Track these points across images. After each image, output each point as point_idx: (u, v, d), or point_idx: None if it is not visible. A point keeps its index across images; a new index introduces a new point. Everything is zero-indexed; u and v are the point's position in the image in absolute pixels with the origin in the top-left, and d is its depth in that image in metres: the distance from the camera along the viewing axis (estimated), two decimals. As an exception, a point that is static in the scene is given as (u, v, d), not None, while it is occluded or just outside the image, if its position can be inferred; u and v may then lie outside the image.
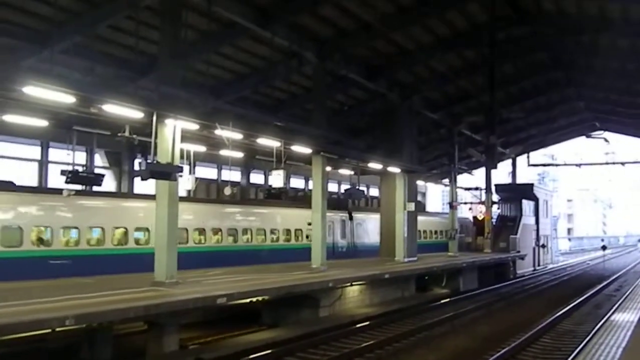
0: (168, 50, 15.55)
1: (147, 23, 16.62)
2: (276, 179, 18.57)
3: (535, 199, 43.70)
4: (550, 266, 46.82)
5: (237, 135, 16.13)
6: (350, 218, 29.17)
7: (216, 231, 22.10)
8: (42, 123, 15.31)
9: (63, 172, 16.02)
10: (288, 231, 25.63)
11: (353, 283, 19.43)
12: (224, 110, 23.25)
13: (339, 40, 21.16)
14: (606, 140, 42.07)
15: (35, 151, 22.09)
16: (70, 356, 12.98)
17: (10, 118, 14.82)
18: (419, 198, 38.84)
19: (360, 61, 23.52)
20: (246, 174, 30.51)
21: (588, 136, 44.19)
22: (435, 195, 74.18)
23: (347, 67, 22.59)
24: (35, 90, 11.17)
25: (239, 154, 21.70)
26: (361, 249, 29.39)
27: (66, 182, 15.98)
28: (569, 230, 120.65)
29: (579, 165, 45.09)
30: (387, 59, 23.98)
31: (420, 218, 33.44)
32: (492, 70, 27.69)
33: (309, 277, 17.74)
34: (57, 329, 10.35)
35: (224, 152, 19.90)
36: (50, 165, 22.21)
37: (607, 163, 45.61)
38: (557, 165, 52.37)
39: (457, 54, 25.58)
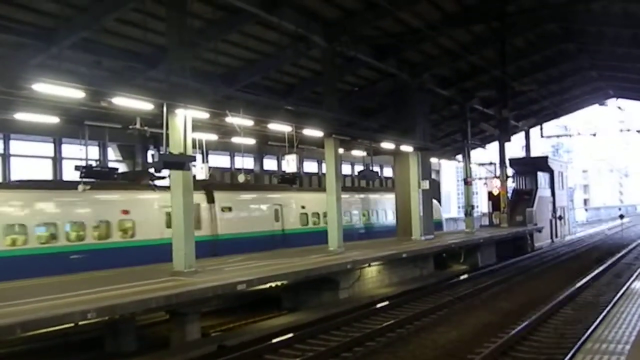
0: (175, 40, 15.54)
1: (153, 14, 16.61)
2: (289, 163, 18.56)
3: (550, 171, 43.41)
4: (568, 238, 46.58)
5: (248, 122, 16.12)
6: (211, 201, 20.79)
7: None
8: (54, 120, 15.37)
9: (77, 168, 16.10)
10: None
11: (371, 264, 19.46)
12: (235, 98, 23.27)
13: (346, 21, 21.01)
14: (620, 108, 41.65)
15: (48, 148, 22.24)
16: (96, 349, 13.14)
17: (22, 116, 14.89)
18: (433, 176, 38.68)
19: (368, 42, 23.34)
20: (259, 160, 30.54)
21: (602, 104, 43.78)
22: (449, 172, 74.09)
23: (355, 48, 22.41)
24: (45, 87, 11.22)
25: (251, 141, 21.71)
26: (229, 243, 20.45)
27: (80, 177, 16.06)
28: (586, 201, 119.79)
29: (593, 134, 44.64)
30: (396, 39, 23.75)
31: (369, 197, 30.23)
32: (502, 43, 27.48)
33: (327, 259, 17.80)
34: (80, 323, 10.48)
35: (236, 140, 19.92)
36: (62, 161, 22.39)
37: (621, 131, 45.18)
38: (571, 135, 51.94)
39: (466, 29, 25.30)
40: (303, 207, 24.83)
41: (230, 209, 21.54)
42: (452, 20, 23.13)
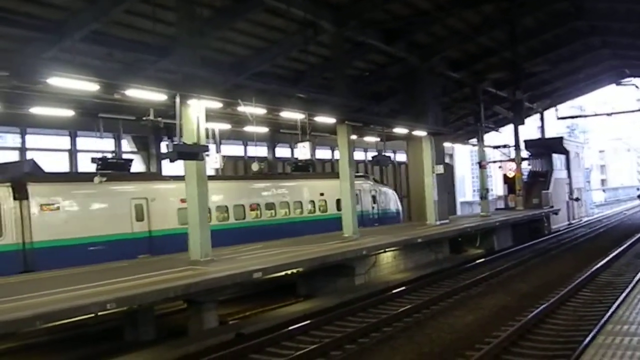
0: (185, 30, 15.54)
1: (162, 5, 16.61)
2: (302, 151, 18.55)
3: (565, 153, 43.11)
4: (585, 219, 46.33)
5: (260, 110, 16.12)
6: (22, 197, 15.69)
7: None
8: (69, 113, 15.47)
9: (93, 160, 16.20)
10: None
11: (386, 249, 19.45)
12: (245, 86, 23.26)
13: (354, 5, 20.89)
14: (637, 86, 41.08)
15: (64, 141, 22.40)
16: (115, 339, 13.28)
17: (38, 110, 15.00)
18: (447, 160, 38.52)
19: (377, 26, 23.18)
20: (272, 148, 30.55)
21: (618, 84, 43.21)
22: (463, 155, 73.75)
23: (364, 32, 22.30)
24: (59, 81, 11.29)
25: (264, 129, 21.69)
26: (54, 252, 15.65)
27: (97, 169, 16.17)
28: (603, 182, 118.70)
29: (609, 114, 44.10)
30: (405, 22, 23.58)
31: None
32: (512, 23, 27.17)
33: (342, 246, 17.79)
34: (99, 313, 10.58)
35: (248, 129, 19.93)
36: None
37: (638, 110, 44.58)
38: (586, 116, 51.41)
39: (475, 10, 25.04)
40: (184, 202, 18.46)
41: (57, 206, 16.38)
42: (460, 1, 22.86)
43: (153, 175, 19.13)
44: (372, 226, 25.34)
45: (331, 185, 24.31)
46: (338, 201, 24.34)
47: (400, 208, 30.87)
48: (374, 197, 28.11)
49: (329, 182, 24.67)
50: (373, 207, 27.84)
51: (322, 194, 24.89)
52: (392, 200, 30.00)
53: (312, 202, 24.41)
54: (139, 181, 18.49)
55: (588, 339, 10.04)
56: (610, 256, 21.61)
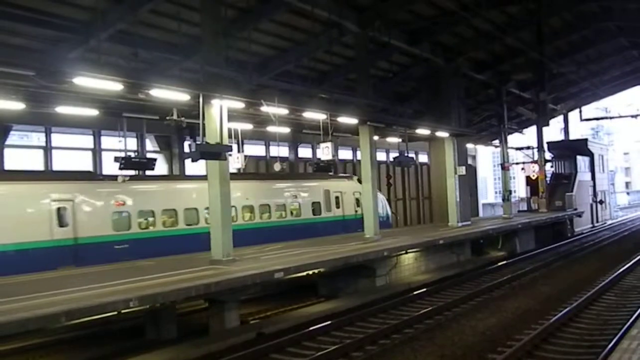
0: (209, 30, 15.63)
1: (187, 5, 16.73)
2: (324, 151, 18.56)
3: (590, 155, 42.64)
4: (609, 222, 45.78)
5: (283, 111, 16.15)
6: None
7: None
8: (93, 112, 15.65)
9: (117, 159, 16.36)
10: None
11: (408, 251, 19.38)
12: (269, 86, 23.32)
13: (379, 6, 20.87)
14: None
15: (88, 140, 22.64)
16: (137, 337, 13.40)
17: (63, 109, 15.19)
18: (469, 161, 38.24)
19: (402, 26, 23.13)
20: (294, 148, 30.58)
21: (644, 85, 42.59)
22: (485, 157, 73.20)
23: (388, 33, 22.24)
24: (85, 81, 11.43)
25: (286, 129, 21.74)
26: None
27: (120, 168, 16.32)
28: (627, 184, 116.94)
29: (634, 116, 43.43)
30: (429, 22, 23.48)
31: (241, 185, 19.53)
32: (539, 24, 26.90)
33: (364, 247, 17.77)
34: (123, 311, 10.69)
35: (271, 129, 19.99)
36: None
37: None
38: (610, 118, 50.63)
39: (500, 10, 24.84)
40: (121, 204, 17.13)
41: None
42: (486, 1, 22.69)
43: (82, 174, 16.89)
44: (355, 232, 22.45)
45: (308, 187, 23.16)
46: (314, 204, 23.11)
47: (389, 213, 28.36)
48: (357, 200, 24.54)
49: (305, 183, 23.43)
50: (357, 211, 24.26)
51: (295, 197, 22.57)
52: (379, 204, 24.69)
53: (283, 205, 21.91)
54: (63, 181, 16.16)
55: (612, 343, 9.93)
56: (635, 260, 21.30)
